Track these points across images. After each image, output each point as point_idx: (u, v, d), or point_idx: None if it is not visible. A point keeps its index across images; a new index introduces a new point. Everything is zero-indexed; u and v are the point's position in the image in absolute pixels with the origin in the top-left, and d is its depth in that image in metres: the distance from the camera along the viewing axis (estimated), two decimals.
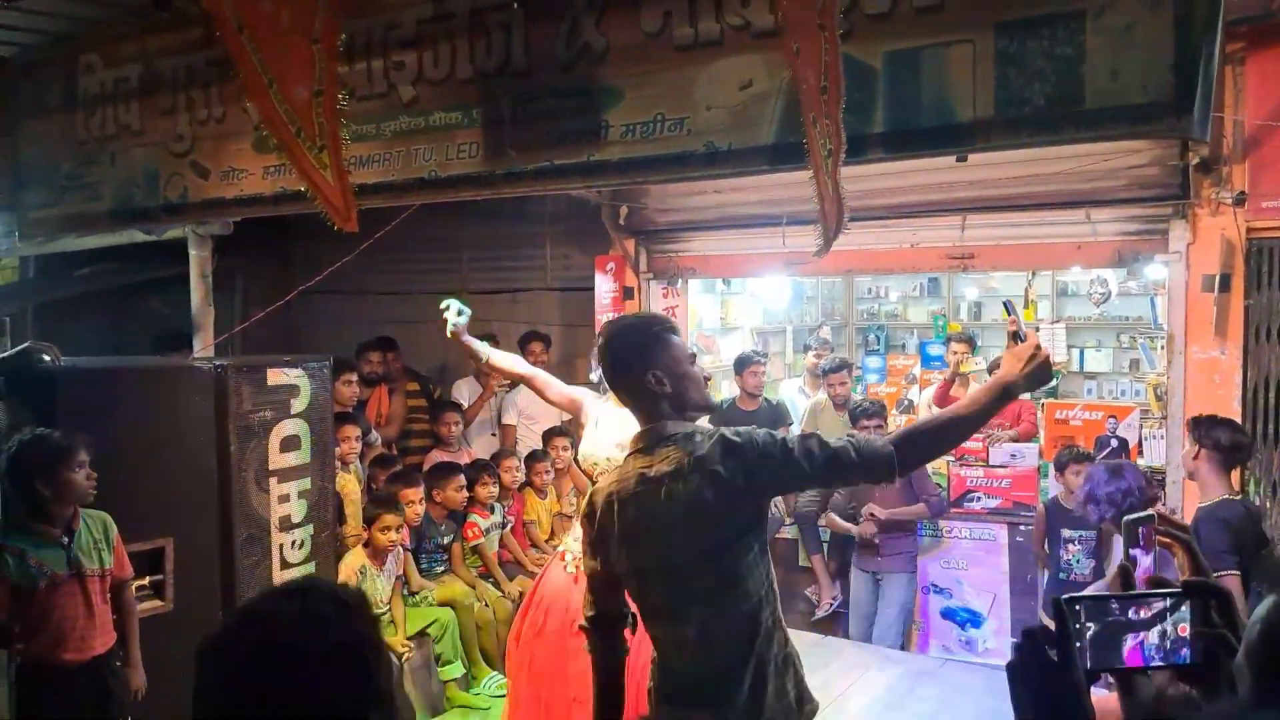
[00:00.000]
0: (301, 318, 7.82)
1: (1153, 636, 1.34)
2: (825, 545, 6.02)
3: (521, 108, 3.04)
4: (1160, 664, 1.34)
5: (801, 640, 5.46)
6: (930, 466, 5.55)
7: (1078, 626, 1.32)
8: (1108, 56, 2.32)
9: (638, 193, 6.54)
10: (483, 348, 3.60)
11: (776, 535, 6.15)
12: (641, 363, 2.20)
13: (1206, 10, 2.27)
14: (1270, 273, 5.04)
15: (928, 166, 4.97)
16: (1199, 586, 1.40)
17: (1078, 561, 5.03)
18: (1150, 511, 2.09)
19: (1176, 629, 1.34)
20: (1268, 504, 5.15)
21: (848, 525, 5.59)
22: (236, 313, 7.26)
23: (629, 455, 2.23)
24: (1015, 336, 2.08)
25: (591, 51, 2.92)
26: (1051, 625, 1.29)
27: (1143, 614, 1.35)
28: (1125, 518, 2.01)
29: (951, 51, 2.49)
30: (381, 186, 3.34)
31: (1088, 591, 1.62)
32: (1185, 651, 1.34)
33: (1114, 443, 5.60)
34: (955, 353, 6.27)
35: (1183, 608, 1.35)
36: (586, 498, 2.33)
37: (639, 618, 2.26)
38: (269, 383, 4.36)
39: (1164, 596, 1.36)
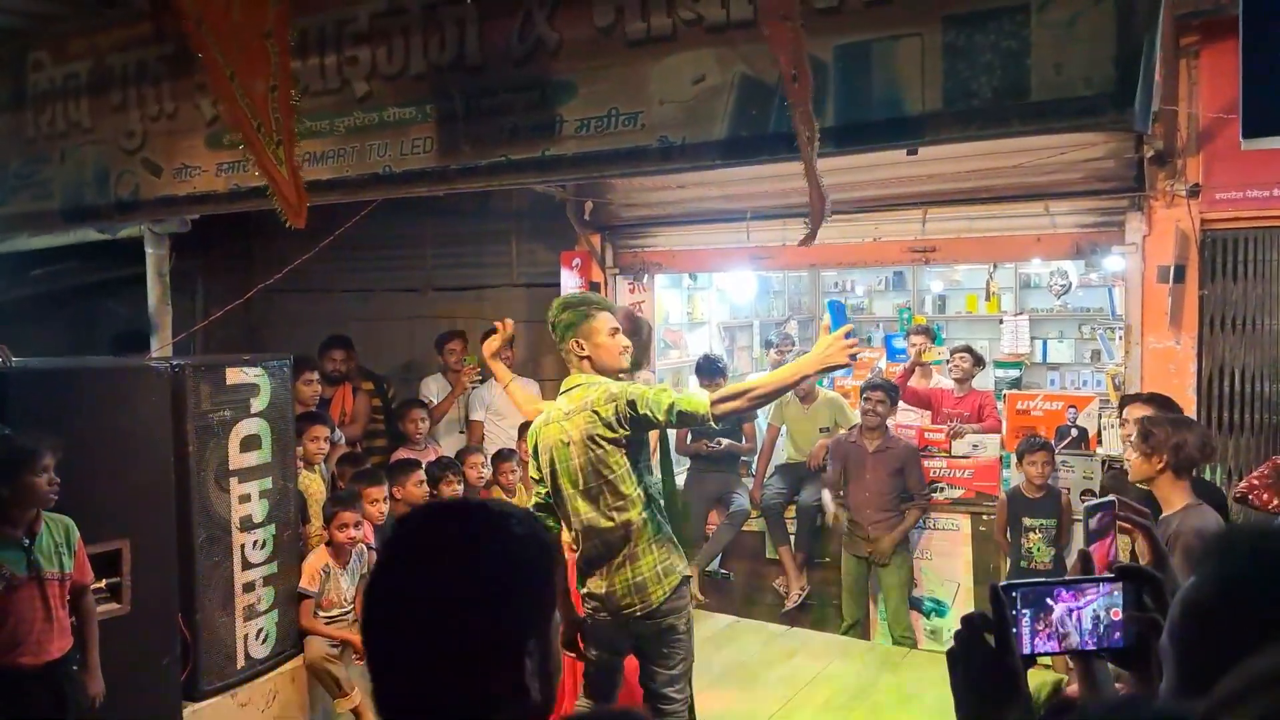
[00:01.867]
0: (263, 317, 7.75)
1: (1086, 621, 1.36)
2: (792, 538, 6.05)
3: (475, 103, 3.03)
4: (1094, 648, 1.36)
5: (768, 631, 5.57)
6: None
7: (1014, 613, 1.33)
8: (1052, 50, 2.35)
9: (603, 188, 6.54)
10: (506, 374, 4.04)
11: (743, 528, 6.18)
12: (569, 332, 3.11)
13: (1148, 4, 2.30)
14: (1224, 264, 5.13)
15: (888, 160, 5.00)
16: (1131, 571, 1.42)
17: (1038, 549, 5.10)
18: (1111, 497, 2.12)
19: (1109, 613, 1.36)
20: (1224, 492, 5.24)
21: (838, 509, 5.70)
22: (198, 313, 7.17)
23: (558, 396, 3.13)
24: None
25: (545, 46, 2.92)
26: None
27: (1078, 599, 1.37)
28: (1085, 503, 2.04)
29: (900, 45, 2.50)
30: (336, 183, 3.32)
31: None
32: (1118, 635, 1.36)
33: (1074, 432, 5.67)
34: (914, 344, 6.33)
35: (1115, 592, 1.37)
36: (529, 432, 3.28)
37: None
38: (228, 382, 4.32)
39: (1098, 582, 1.38)
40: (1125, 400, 4.46)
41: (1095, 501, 1.97)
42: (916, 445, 5.73)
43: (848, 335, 2.86)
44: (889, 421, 5.70)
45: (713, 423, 2.93)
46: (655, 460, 3.64)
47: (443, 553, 1.08)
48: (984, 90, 2.43)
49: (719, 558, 6.28)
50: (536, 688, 1.05)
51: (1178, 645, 1.07)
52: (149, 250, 4.51)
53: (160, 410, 4.02)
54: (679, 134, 2.75)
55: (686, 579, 3.25)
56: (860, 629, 5.67)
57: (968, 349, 6.33)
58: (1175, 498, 3.13)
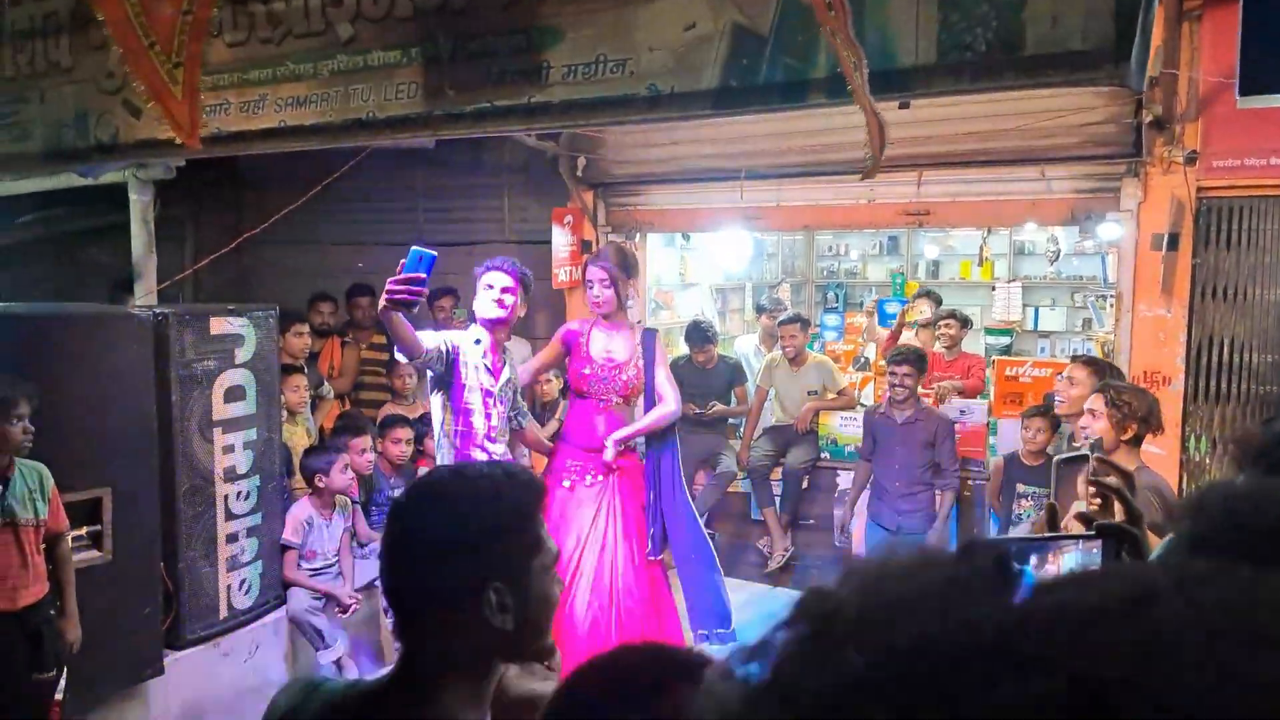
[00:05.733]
0: (253, 268, 7.68)
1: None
2: (777, 499, 6.06)
3: (461, 47, 2.96)
4: None
5: (752, 590, 5.60)
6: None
7: None
8: (1049, 2, 2.30)
9: (596, 144, 6.46)
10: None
11: (728, 490, 6.19)
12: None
13: None
14: (1218, 232, 5.09)
15: (887, 121, 4.93)
16: (1110, 529, 1.41)
17: (1028, 515, 5.10)
18: (1084, 452, 2.09)
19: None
20: (1208, 460, 5.25)
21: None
22: (187, 262, 7.10)
23: None
24: None
25: None
26: None
27: (1056, 558, 1.35)
28: (1056, 457, 2.01)
29: None
30: (319, 128, 3.25)
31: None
32: None
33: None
34: (919, 309, 6.33)
35: (1094, 550, 1.35)
36: None
37: None
38: (212, 332, 4.28)
39: (1076, 539, 1.37)
40: (1072, 359, 4.46)
41: (1068, 455, 1.94)
42: (950, 420, 5.45)
43: (415, 283, 3.19)
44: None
45: None
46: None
47: (425, 506, 1.34)
48: (978, 43, 2.38)
49: (704, 517, 6.29)
50: (500, 619, 1.25)
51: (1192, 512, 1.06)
52: (133, 196, 4.45)
53: (143, 359, 3.98)
54: (668, 82, 2.70)
55: None
56: None
57: (953, 314, 6.31)
58: (1128, 464, 3.15)
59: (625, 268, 4.09)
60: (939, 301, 6.75)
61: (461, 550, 1.26)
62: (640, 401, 4.21)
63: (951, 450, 5.29)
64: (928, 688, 0.39)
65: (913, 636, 0.40)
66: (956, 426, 5.70)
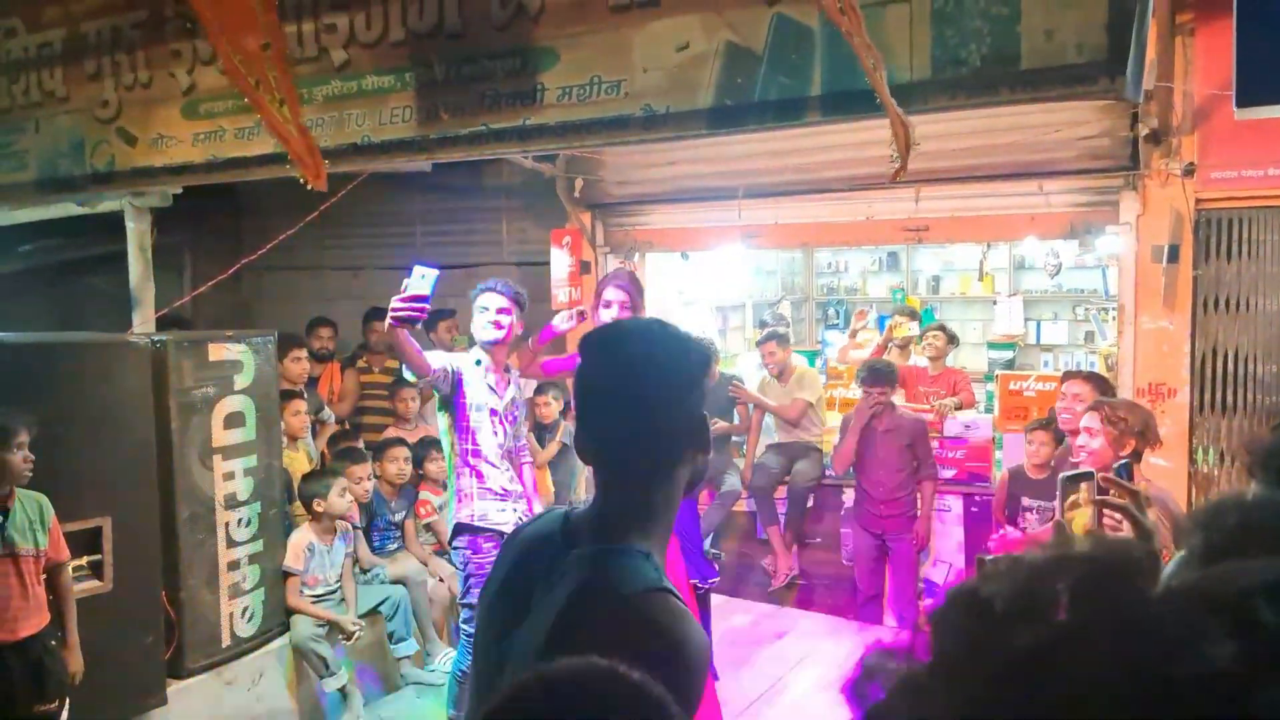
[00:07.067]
0: (253, 294, 7.70)
1: None
2: (782, 518, 6.02)
3: (455, 70, 2.96)
4: None
5: (757, 611, 5.55)
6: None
7: None
8: (1043, 16, 2.29)
9: (593, 165, 6.47)
10: None
11: (733, 509, 6.16)
12: None
13: None
14: (1218, 244, 5.08)
15: (881, 138, 4.91)
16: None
17: (1033, 529, 5.06)
18: (1089, 468, 2.06)
19: None
20: (1216, 472, 5.22)
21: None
22: (185, 290, 7.11)
23: None
24: None
25: (526, 12, 2.85)
26: None
27: None
28: (1061, 475, 1.99)
29: (888, 11, 2.44)
30: None
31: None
32: None
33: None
34: (896, 324, 6.37)
35: None
36: None
37: None
38: (211, 358, 4.27)
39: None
40: (1065, 375, 4.44)
41: (1073, 473, 1.92)
42: (924, 421, 5.63)
43: (419, 300, 3.26)
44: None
45: None
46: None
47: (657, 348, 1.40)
48: (973, 58, 2.37)
49: (710, 538, 6.25)
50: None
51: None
52: (130, 224, 4.44)
53: (141, 386, 3.97)
54: (663, 102, 2.69)
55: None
56: (877, 603, 5.57)
57: (941, 327, 6.31)
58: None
59: (642, 295, 4.12)
60: (914, 316, 6.75)
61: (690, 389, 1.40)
62: None
63: (927, 449, 5.45)
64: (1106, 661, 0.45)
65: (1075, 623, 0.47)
66: (961, 442, 5.70)
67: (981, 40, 2.35)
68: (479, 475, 3.87)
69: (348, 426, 6.13)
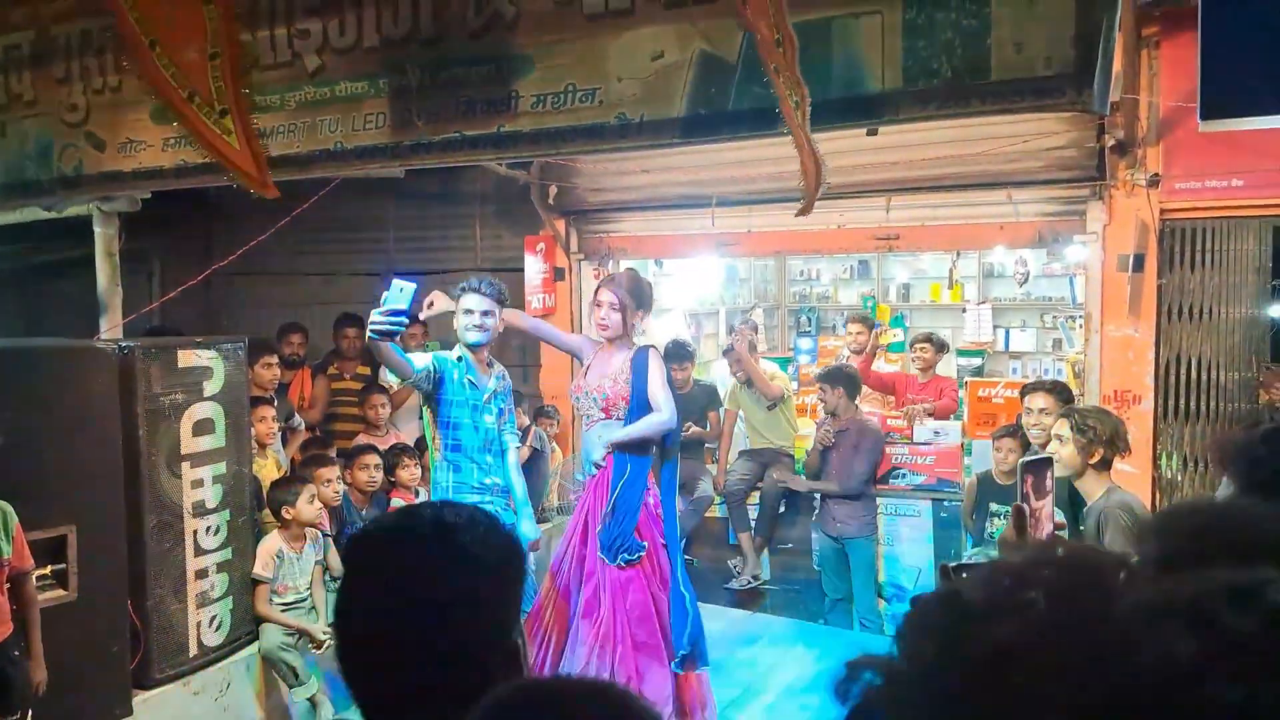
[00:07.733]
0: (224, 300, 7.62)
1: None
2: (753, 524, 6.05)
3: (430, 77, 2.96)
4: None
5: (729, 617, 5.56)
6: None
7: None
8: (1012, 29, 2.33)
9: (568, 171, 6.48)
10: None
11: (706, 514, 6.17)
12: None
13: None
14: (1182, 253, 5.17)
15: (852, 147, 4.98)
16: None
17: (1000, 533, 5.12)
18: (1049, 454, 2.08)
19: None
20: (1180, 477, 5.30)
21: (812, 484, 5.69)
22: (154, 295, 7.03)
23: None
24: None
25: (502, 19, 2.85)
26: None
27: None
28: (1022, 459, 2.01)
29: (861, 22, 2.47)
30: (286, 159, 3.23)
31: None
32: None
33: None
34: (850, 333, 6.43)
35: None
36: None
37: None
38: (180, 364, 4.21)
39: None
40: (1026, 389, 4.42)
41: (1032, 458, 1.92)
42: (875, 423, 5.75)
43: (397, 314, 3.28)
44: (864, 407, 5.72)
45: None
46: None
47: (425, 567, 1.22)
48: (944, 69, 2.41)
49: (683, 542, 6.26)
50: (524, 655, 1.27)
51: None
52: (97, 229, 4.39)
53: (108, 393, 3.91)
54: (637, 111, 2.70)
55: None
56: (845, 606, 5.60)
57: (929, 338, 6.35)
58: (1098, 487, 3.18)
59: (637, 297, 4.10)
60: (871, 325, 6.79)
61: (498, 598, 1.26)
62: (623, 413, 4.19)
63: (870, 447, 5.53)
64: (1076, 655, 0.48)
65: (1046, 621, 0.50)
66: (931, 447, 5.75)
67: (953, 52, 2.39)
68: (455, 468, 3.92)
69: (319, 433, 6.07)
